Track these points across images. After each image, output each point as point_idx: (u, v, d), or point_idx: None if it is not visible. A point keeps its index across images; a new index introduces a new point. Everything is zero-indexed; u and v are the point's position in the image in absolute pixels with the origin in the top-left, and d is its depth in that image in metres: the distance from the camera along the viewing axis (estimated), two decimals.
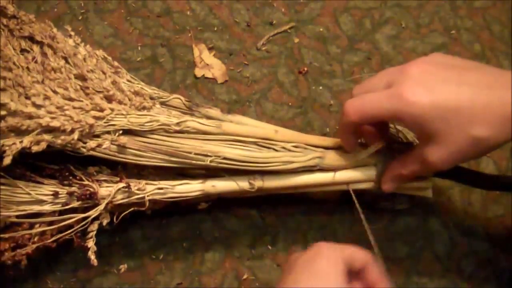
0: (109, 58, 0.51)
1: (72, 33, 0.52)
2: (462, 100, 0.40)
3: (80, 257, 0.48)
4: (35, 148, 0.42)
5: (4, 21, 0.47)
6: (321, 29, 0.63)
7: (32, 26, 0.48)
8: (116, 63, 0.51)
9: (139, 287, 0.51)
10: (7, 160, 0.41)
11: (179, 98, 0.50)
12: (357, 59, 0.62)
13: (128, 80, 0.50)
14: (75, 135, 0.43)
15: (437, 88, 0.40)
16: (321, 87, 0.60)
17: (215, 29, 0.62)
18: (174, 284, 0.52)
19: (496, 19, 0.65)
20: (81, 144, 0.44)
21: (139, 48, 0.60)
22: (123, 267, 0.52)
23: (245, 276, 0.52)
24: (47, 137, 0.42)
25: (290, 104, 0.59)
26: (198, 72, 0.60)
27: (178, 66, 0.60)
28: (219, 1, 0.63)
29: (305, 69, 0.60)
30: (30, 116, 0.42)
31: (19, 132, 0.42)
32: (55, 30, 0.50)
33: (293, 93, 0.60)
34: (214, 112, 0.50)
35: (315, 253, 0.40)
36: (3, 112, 0.41)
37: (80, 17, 0.61)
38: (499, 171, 0.57)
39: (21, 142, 0.41)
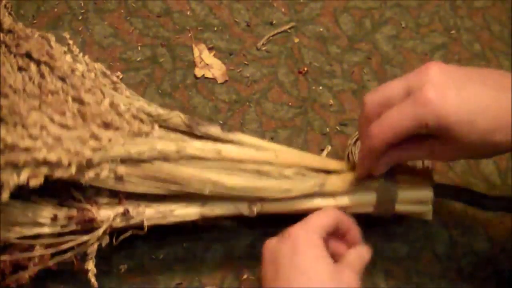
0: (108, 72, 0.51)
1: (71, 42, 0.51)
2: (488, 101, 0.38)
3: (77, 260, 0.48)
4: (32, 183, 0.41)
5: (1, 36, 0.47)
6: (321, 29, 0.63)
7: (29, 42, 0.47)
8: (115, 78, 0.50)
9: (139, 287, 0.51)
10: (5, 196, 0.40)
11: (180, 116, 0.50)
12: (357, 59, 0.62)
13: (127, 96, 0.49)
14: (73, 169, 0.42)
15: (462, 87, 0.38)
16: (321, 87, 0.60)
17: (215, 29, 0.62)
18: (174, 284, 0.52)
19: (496, 19, 0.65)
20: (79, 175, 0.43)
21: (139, 48, 0.60)
22: (123, 267, 0.52)
23: (245, 276, 0.52)
24: (44, 170, 0.41)
25: (290, 104, 0.59)
26: (198, 72, 0.60)
27: (178, 66, 0.60)
28: (219, 1, 0.63)
29: (305, 69, 0.61)
30: (26, 150, 0.41)
31: (16, 166, 0.41)
32: (53, 43, 0.49)
33: (293, 93, 0.60)
34: (214, 130, 0.49)
35: (293, 246, 0.41)
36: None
37: (80, 17, 0.61)
38: (499, 171, 0.57)
39: (18, 176, 0.40)
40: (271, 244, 0.44)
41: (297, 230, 0.43)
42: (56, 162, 0.42)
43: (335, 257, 0.44)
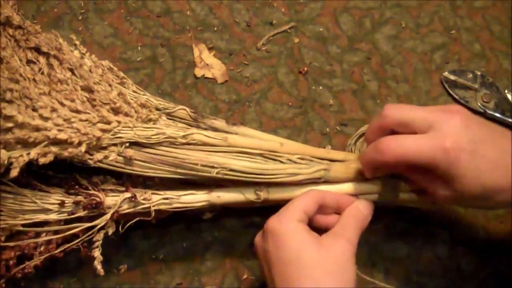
0: (115, 68, 0.51)
1: (77, 42, 0.52)
2: (495, 162, 0.41)
3: (80, 257, 0.48)
4: (42, 160, 0.42)
5: (10, 31, 0.47)
6: (321, 29, 0.63)
7: (38, 37, 0.48)
8: (122, 74, 0.51)
9: (139, 287, 0.52)
10: (14, 172, 0.41)
11: (185, 109, 0.50)
12: (357, 59, 0.62)
13: (134, 91, 0.51)
14: (82, 148, 0.43)
15: (476, 146, 0.41)
16: (321, 87, 0.60)
17: (215, 29, 0.62)
18: (174, 284, 0.52)
19: (496, 19, 0.65)
20: (88, 156, 0.44)
21: (139, 48, 0.60)
22: (123, 267, 0.52)
23: (245, 276, 0.52)
24: (54, 149, 0.42)
25: (290, 104, 0.59)
26: (198, 72, 0.60)
27: (178, 66, 0.60)
28: (219, 1, 0.63)
29: (305, 69, 0.60)
30: (37, 129, 0.42)
31: (26, 144, 0.42)
32: (61, 40, 0.50)
33: (293, 93, 0.60)
34: (219, 123, 0.50)
35: (274, 241, 0.42)
36: (10, 124, 0.41)
37: (80, 17, 0.61)
38: None
39: (28, 154, 0.41)
40: (258, 242, 0.45)
41: (273, 224, 0.43)
42: (66, 141, 0.42)
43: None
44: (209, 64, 0.60)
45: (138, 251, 0.53)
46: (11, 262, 0.44)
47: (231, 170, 0.46)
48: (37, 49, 0.48)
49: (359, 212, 0.45)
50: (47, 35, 0.49)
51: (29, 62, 0.47)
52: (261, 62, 0.61)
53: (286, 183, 0.47)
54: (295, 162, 0.47)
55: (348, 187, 0.48)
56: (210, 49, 0.61)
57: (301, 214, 0.43)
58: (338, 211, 0.47)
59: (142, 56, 0.60)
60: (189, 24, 0.62)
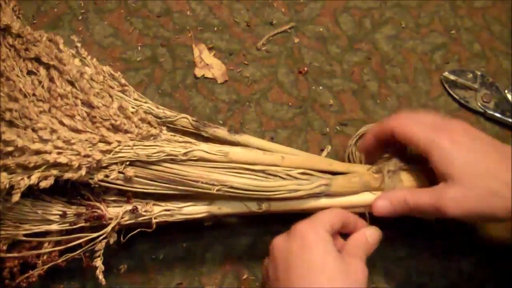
0: (116, 74, 0.51)
1: (79, 45, 0.51)
2: (486, 167, 0.43)
3: (80, 257, 0.48)
4: (43, 184, 0.42)
5: (10, 40, 0.47)
6: (321, 29, 0.63)
7: (38, 46, 0.47)
8: (123, 81, 0.51)
9: (139, 287, 0.51)
10: (15, 197, 0.41)
11: (187, 118, 0.50)
12: (357, 59, 0.62)
13: (135, 99, 0.50)
14: (83, 172, 0.43)
15: (473, 147, 0.43)
16: (321, 87, 0.60)
17: (215, 29, 0.62)
18: (174, 284, 0.52)
19: (496, 19, 0.65)
20: (88, 176, 0.44)
21: (139, 48, 0.60)
22: (123, 267, 0.52)
23: (245, 276, 0.52)
24: (54, 172, 0.42)
25: (290, 104, 0.59)
26: (198, 72, 0.60)
27: (178, 66, 0.60)
28: (219, 1, 0.63)
29: (305, 69, 0.60)
30: (37, 152, 0.42)
31: (26, 168, 0.41)
32: (61, 46, 0.49)
33: (293, 93, 0.60)
34: (221, 132, 0.50)
35: (303, 243, 0.42)
36: (10, 149, 0.41)
37: (80, 17, 0.61)
38: None
39: (29, 178, 0.41)
40: (280, 243, 0.44)
41: (305, 227, 0.43)
42: (66, 164, 0.42)
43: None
44: (209, 64, 0.60)
45: (138, 251, 0.53)
46: (15, 269, 0.44)
47: (231, 187, 0.46)
48: (37, 59, 0.47)
49: (366, 241, 0.46)
50: (47, 43, 0.49)
51: (29, 72, 0.47)
52: (261, 62, 0.61)
53: (287, 199, 0.47)
54: (296, 178, 0.47)
55: (350, 199, 0.48)
56: (210, 49, 0.61)
57: (329, 227, 0.44)
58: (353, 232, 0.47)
59: (142, 56, 0.60)
60: (189, 24, 0.62)
